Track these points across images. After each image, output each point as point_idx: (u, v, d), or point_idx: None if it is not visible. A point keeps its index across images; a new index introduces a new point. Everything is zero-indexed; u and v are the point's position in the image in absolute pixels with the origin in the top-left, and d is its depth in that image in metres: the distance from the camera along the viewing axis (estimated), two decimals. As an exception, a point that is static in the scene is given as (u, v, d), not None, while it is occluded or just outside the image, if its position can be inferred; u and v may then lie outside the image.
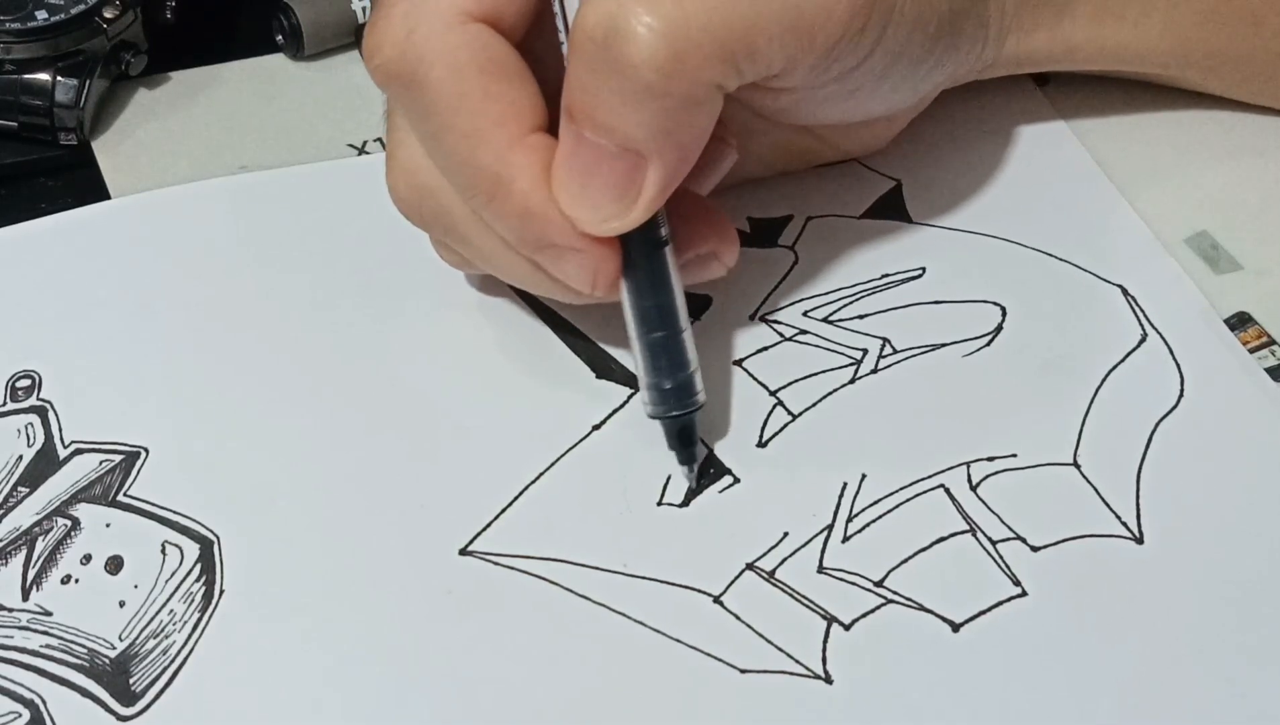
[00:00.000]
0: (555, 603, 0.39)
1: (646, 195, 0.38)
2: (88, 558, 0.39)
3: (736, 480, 0.41)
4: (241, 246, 0.46)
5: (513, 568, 0.39)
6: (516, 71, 0.38)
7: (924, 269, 0.46)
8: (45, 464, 0.41)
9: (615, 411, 0.43)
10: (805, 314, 0.45)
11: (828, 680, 0.38)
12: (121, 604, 0.39)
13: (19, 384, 0.42)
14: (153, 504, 0.40)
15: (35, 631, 0.38)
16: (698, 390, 0.41)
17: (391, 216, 0.47)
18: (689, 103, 0.37)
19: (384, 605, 0.39)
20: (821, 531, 0.40)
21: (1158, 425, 0.42)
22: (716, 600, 0.39)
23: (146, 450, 0.41)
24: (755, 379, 0.44)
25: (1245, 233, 0.47)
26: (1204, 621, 0.39)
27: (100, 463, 0.41)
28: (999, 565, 0.40)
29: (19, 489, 0.40)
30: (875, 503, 0.41)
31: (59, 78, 0.48)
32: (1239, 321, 0.45)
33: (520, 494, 0.41)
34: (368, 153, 0.51)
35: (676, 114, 0.37)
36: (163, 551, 0.39)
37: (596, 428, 0.42)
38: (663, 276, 0.40)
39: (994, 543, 0.40)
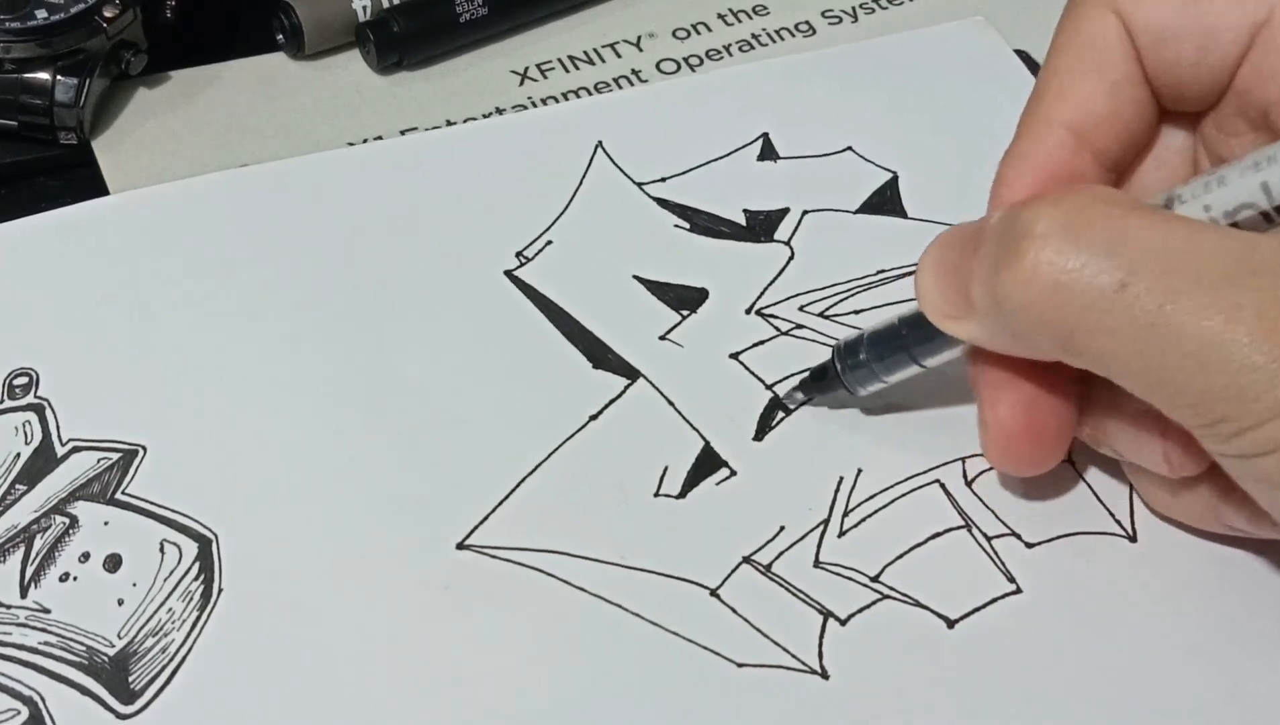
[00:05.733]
0: (552, 595, 0.39)
1: (956, 331, 0.38)
2: (86, 555, 0.39)
3: (733, 473, 0.42)
4: (238, 241, 0.46)
5: (510, 560, 0.40)
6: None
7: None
8: (43, 461, 0.41)
9: (612, 402, 0.43)
10: (801, 308, 0.45)
11: (824, 675, 0.38)
12: (120, 602, 0.39)
13: (16, 381, 0.42)
14: (151, 502, 0.40)
15: (34, 629, 0.38)
16: (862, 391, 0.41)
17: (387, 207, 0.47)
18: (1014, 338, 0.36)
19: (383, 601, 0.39)
20: (818, 526, 0.40)
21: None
22: (714, 593, 0.39)
23: (144, 448, 0.41)
24: (752, 373, 0.44)
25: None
26: (1196, 618, 0.39)
27: (98, 460, 0.41)
28: (994, 562, 0.40)
29: (17, 486, 0.40)
30: (871, 497, 0.41)
31: (59, 77, 0.48)
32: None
33: (517, 487, 0.41)
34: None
35: (1002, 331, 0.36)
36: (161, 550, 0.39)
37: (593, 418, 0.42)
38: (951, 342, 0.39)
39: (989, 538, 0.40)
